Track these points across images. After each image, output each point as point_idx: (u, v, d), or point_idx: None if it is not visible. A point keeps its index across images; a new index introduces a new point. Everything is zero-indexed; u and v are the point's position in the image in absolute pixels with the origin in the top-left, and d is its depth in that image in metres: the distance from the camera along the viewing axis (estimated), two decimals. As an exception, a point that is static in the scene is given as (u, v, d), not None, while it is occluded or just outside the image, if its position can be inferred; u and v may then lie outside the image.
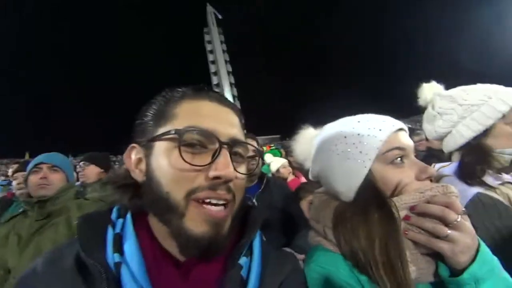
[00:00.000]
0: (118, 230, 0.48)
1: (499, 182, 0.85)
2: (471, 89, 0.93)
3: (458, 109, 0.92)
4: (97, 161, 2.48)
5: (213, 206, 0.45)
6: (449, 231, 0.53)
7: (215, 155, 0.45)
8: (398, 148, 0.62)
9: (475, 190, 0.82)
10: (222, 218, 0.46)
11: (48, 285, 0.42)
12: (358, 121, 0.67)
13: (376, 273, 0.54)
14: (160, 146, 0.47)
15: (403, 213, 0.59)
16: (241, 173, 0.49)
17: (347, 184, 0.64)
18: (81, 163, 2.48)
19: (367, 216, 0.59)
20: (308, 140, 0.79)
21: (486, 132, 0.88)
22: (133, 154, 0.51)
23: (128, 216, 0.51)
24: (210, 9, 47.39)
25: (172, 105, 0.49)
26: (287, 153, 3.87)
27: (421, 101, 1.07)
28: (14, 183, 2.52)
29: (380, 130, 0.62)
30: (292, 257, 0.60)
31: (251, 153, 0.52)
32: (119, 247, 0.45)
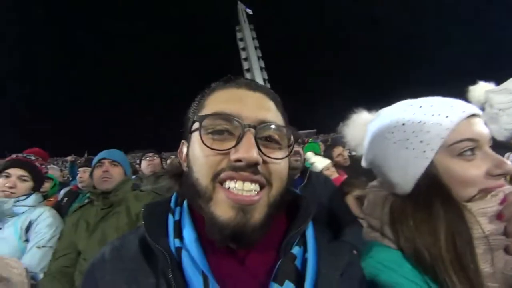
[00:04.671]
0: (177, 217, 0.51)
1: None
2: None
3: None
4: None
5: (240, 192, 0.43)
6: None
7: (239, 139, 0.44)
8: (469, 139, 0.54)
9: None
10: (251, 202, 0.43)
11: (115, 271, 0.46)
12: (420, 106, 0.59)
13: (444, 272, 0.50)
14: (193, 137, 0.50)
15: (482, 219, 0.52)
16: (270, 157, 0.45)
17: (404, 176, 0.59)
18: (150, 155, 2.96)
19: (432, 213, 0.54)
20: (361, 125, 0.73)
21: None
22: (183, 148, 0.56)
23: (185, 204, 0.53)
24: (241, 6, 47.75)
25: (205, 98, 0.53)
26: (327, 148, 3.75)
27: (474, 104, 0.98)
28: (77, 177, 2.87)
29: (446, 117, 0.55)
30: (347, 248, 0.55)
31: (290, 141, 0.49)
32: (179, 233, 0.47)
